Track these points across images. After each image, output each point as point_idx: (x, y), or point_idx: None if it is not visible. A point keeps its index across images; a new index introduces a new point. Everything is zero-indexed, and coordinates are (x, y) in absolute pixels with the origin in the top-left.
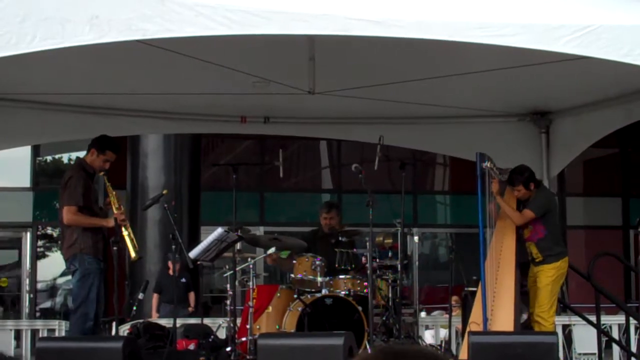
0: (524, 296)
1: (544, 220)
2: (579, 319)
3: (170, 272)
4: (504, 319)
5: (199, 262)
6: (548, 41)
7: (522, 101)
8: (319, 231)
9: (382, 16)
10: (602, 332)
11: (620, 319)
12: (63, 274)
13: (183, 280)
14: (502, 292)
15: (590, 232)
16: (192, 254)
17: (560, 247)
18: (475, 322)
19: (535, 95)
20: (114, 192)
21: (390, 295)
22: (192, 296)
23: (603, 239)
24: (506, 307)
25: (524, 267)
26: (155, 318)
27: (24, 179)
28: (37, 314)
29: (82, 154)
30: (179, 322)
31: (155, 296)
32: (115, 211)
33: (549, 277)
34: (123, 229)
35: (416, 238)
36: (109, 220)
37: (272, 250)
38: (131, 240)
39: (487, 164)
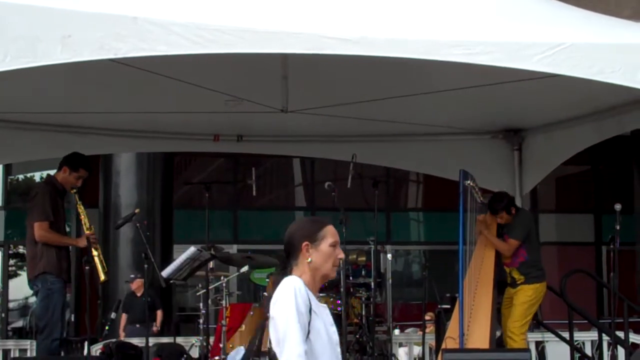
0: (498, 313)
1: (524, 244)
2: (552, 335)
3: (137, 292)
4: (479, 335)
5: (171, 281)
6: (520, 59)
7: (495, 119)
8: None
9: (356, 34)
10: (575, 348)
11: (593, 335)
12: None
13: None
14: (478, 308)
15: (563, 248)
16: (165, 272)
17: (541, 270)
18: (452, 337)
19: (508, 113)
20: (85, 212)
21: (363, 313)
22: (158, 315)
23: (575, 256)
24: (482, 324)
25: (500, 285)
26: (121, 337)
27: None
28: (9, 334)
29: (54, 172)
30: (152, 341)
31: (123, 316)
32: (86, 231)
33: (527, 296)
34: (93, 249)
35: (389, 255)
36: (79, 240)
37: (245, 269)
38: (100, 261)
39: (470, 182)
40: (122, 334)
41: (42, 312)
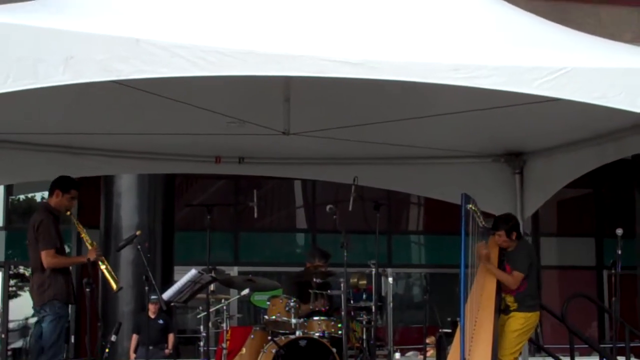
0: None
1: (526, 274)
2: None
3: (151, 314)
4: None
5: (172, 304)
6: (521, 83)
7: (496, 142)
8: (304, 274)
9: (357, 58)
10: None
11: None
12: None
13: (161, 321)
14: (480, 333)
15: (564, 272)
16: (166, 295)
17: (536, 300)
18: None
19: (509, 136)
20: (84, 229)
21: (364, 336)
22: (171, 337)
23: (577, 280)
24: (484, 349)
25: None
26: (132, 359)
27: None
28: (9, 353)
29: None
30: None
31: (134, 337)
32: (89, 247)
33: (519, 324)
34: (100, 263)
35: (390, 279)
36: (84, 256)
37: (245, 292)
38: (109, 272)
39: (471, 206)
40: (132, 355)
41: (49, 335)
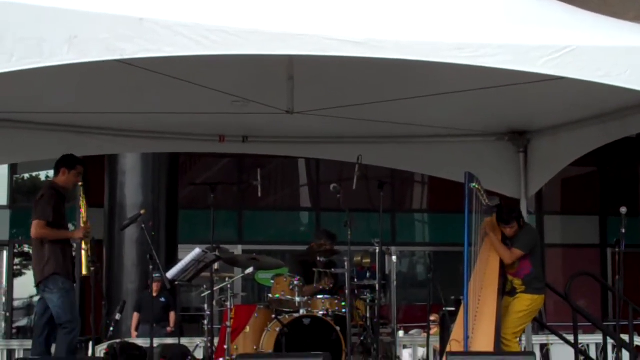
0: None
1: (530, 257)
2: (557, 338)
3: (153, 292)
4: (484, 339)
5: (176, 282)
6: (526, 62)
7: (500, 121)
8: (310, 252)
9: (361, 36)
10: (580, 351)
11: (598, 338)
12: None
13: (163, 299)
14: (483, 311)
15: (568, 250)
16: (170, 274)
17: (542, 283)
18: (456, 339)
19: (514, 115)
20: (86, 206)
21: (368, 315)
22: (172, 316)
23: (581, 258)
24: (487, 327)
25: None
26: (134, 337)
27: (1, 197)
28: (14, 331)
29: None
30: (157, 342)
31: (135, 315)
32: (82, 224)
33: (524, 305)
34: (83, 243)
35: (394, 257)
36: (76, 232)
37: (249, 270)
38: (87, 256)
39: (475, 185)
40: (134, 333)
41: (62, 311)
